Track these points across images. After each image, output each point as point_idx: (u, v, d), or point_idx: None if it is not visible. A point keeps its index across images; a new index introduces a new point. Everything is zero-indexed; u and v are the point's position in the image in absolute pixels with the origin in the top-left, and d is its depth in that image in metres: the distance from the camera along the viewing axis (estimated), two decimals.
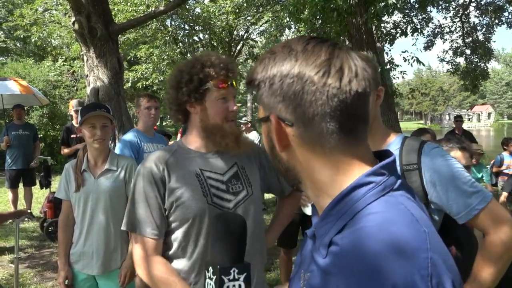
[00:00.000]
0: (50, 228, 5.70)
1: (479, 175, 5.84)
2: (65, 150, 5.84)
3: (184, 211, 1.51)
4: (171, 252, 1.57)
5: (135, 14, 12.30)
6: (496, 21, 13.46)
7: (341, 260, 0.65)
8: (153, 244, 1.51)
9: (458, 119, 8.38)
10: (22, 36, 16.68)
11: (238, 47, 17.62)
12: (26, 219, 6.82)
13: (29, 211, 7.02)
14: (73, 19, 4.53)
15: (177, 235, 1.55)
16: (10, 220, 3.27)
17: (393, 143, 1.54)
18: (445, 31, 14.25)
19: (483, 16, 13.78)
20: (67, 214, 2.47)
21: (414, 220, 0.65)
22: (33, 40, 15.54)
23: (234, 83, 1.55)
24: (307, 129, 0.70)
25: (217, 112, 1.52)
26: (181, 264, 1.55)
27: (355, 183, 0.69)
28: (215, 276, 0.78)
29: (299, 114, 0.69)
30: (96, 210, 2.40)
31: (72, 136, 5.77)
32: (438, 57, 14.99)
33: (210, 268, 0.79)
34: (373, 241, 0.62)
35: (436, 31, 14.20)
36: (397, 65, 8.82)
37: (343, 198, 0.69)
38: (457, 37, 14.26)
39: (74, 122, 5.80)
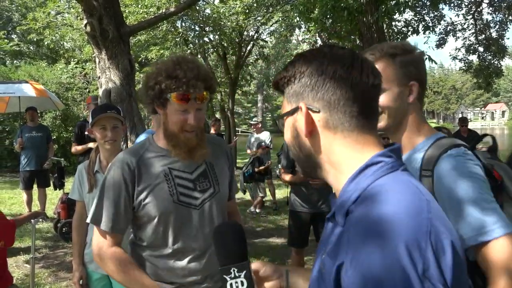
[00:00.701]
0: (64, 229, 5.77)
1: None
2: (78, 148, 5.70)
3: (151, 210, 1.60)
4: (144, 245, 1.67)
5: (145, 16, 12.39)
6: (510, 17, 13.24)
7: (356, 222, 0.75)
8: (113, 238, 1.62)
9: (463, 124, 8.31)
10: (35, 39, 16.91)
11: (248, 48, 17.60)
12: (41, 220, 6.93)
13: (43, 211, 7.11)
14: (85, 21, 4.58)
15: (147, 231, 1.65)
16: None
17: (422, 143, 1.36)
18: (457, 29, 14.09)
19: (496, 13, 13.57)
20: (81, 214, 2.50)
21: (418, 191, 0.77)
22: (46, 43, 15.76)
23: (200, 97, 1.55)
24: (332, 113, 0.83)
25: (174, 122, 1.58)
26: (154, 259, 1.65)
27: (368, 162, 0.81)
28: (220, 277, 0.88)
29: (326, 100, 0.83)
30: None
31: (86, 132, 5.59)
32: (450, 55, 14.81)
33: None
34: (383, 205, 0.72)
35: (448, 29, 14.04)
36: None
37: (358, 175, 0.81)
38: (469, 34, 14.08)
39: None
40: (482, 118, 76.94)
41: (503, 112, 78.87)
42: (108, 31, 4.58)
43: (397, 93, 1.34)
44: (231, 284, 0.84)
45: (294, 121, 0.88)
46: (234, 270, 0.85)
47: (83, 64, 16.34)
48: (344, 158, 0.84)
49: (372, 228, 0.70)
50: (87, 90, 15.80)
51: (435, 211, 0.74)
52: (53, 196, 7.86)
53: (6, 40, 18.96)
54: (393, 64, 1.34)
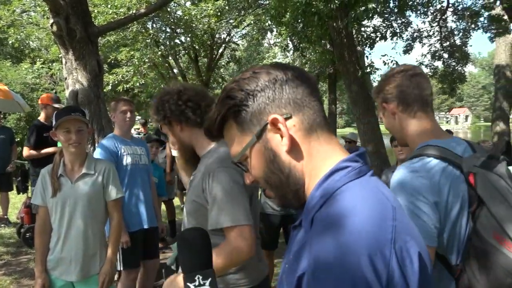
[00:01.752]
0: (28, 234, 5.57)
1: None
2: (32, 152, 5.19)
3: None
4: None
5: (115, 16, 12.15)
6: (473, 26, 13.76)
7: (318, 230, 0.72)
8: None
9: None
10: None
11: (220, 50, 17.58)
12: (2, 225, 6.66)
13: (5, 216, 6.85)
14: (51, 20, 4.45)
15: None
16: None
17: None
18: (423, 35, 14.49)
19: (460, 21, 14.08)
20: (44, 220, 2.42)
21: (384, 197, 0.74)
22: (10, 42, 15.19)
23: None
24: (304, 111, 0.80)
25: None
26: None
27: (335, 167, 0.79)
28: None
29: (293, 102, 0.80)
30: (74, 215, 2.36)
31: (45, 134, 5.02)
32: (417, 61, 15.28)
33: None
34: (347, 212, 0.69)
35: (415, 35, 14.43)
36: (377, 69, 8.92)
37: (325, 180, 0.78)
38: (435, 41, 14.50)
39: (41, 118, 5.41)
40: (447, 122, 79.52)
41: (466, 117, 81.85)
42: (76, 31, 4.46)
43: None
44: None
45: (264, 144, 0.81)
46: (199, 278, 0.82)
47: (50, 64, 15.86)
48: (320, 161, 0.80)
49: (335, 238, 0.67)
50: (54, 91, 15.33)
51: (400, 218, 0.71)
52: (16, 200, 7.58)
53: None
54: None
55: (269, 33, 16.90)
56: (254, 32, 17.19)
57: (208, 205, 1.64)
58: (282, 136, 0.79)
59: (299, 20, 8.48)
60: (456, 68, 14.34)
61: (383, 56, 9.30)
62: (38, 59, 16.60)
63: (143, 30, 14.47)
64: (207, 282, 0.82)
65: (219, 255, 1.51)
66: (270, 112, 0.80)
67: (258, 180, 0.86)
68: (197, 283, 0.82)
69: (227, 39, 17.34)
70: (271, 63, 0.87)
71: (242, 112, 0.81)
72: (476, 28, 13.78)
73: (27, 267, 4.99)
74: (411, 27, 13.88)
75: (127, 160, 3.37)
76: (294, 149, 0.80)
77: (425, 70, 14.77)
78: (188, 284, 0.83)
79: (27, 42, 17.15)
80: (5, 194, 6.90)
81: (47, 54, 16.75)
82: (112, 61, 15.52)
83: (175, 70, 19.29)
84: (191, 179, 1.82)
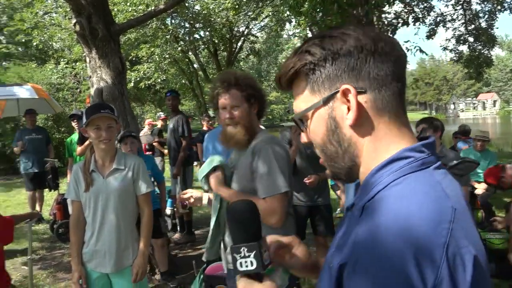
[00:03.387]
0: (60, 230, 5.76)
1: (487, 162, 5.79)
2: (78, 149, 5.55)
3: None
4: None
5: (135, 13, 12.30)
6: (499, 7, 13.30)
7: (366, 223, 0.67)
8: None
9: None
10: (23, 40, 16.76)
11: (239, 43, 17.58)
12: (36, 221, 6.91)
13: (40, 213, 7.10)
14: (74, 20, 4.54)
15: None
16: (23, 223, 3.31)
17: None
18: (447, 19, 14.10)
19: (485, 3, 13.64)
20: (78, 214, 2.50)
21: (444, 195, 0.67)
22: (34, 43, 15.59)
23: None
24: (380, 91, 0.74)
25: None
26: None
27: (396, 155, 0.73)
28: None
29: (373, 78, 0.74)
30: (106, 209, 2.43)
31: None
32: (441, 46, 14.86)
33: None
34: (398, 209, 0.64)
35: (438, 20, 14.04)
36: None
37: (384, 167, 0.73)
38: (459, 25, 14.11)
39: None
40: (474, 108, 77.45)
41: (494, 102, 79.50)
42: (98, 29, 4.53)
43: None
44: (240, 263, 0.85)
45: (329, 111, 0.77)
46: (244, 250, 0.84)
47: (73, 64, 16.22)
48: (383, 145, 0.75)
49: (382, 233, 0.63)
50: (78, 90, 15.69)
51: (460, 221, 0.64)
52: (48, 197, 7.82)
53: None
54: None
55: (287, 24, 16.78)
56: (273, 24, 17.10)
57: (253, 177, 1.90)
58: (349, 109, 0.74)
59: (318, 9, 8.38)
60: (482, 51, 13.90)
61: (406, 42, 9.11)
62: (61, 60, 16.99)
63: (163, 27, 14.61)
64: (252, 255, 0.84)
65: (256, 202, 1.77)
66: (345, 81, 0.74)
67: (314, 145, 0.83)
68: (242, 255, 0.84)
69: (245, 32, 17.33)
70: (366, 27, 0.80)
71: (316, 71, 0.77)
72: (502, 10, 13.31)
73: (62, 261, 5.16)
74: (434, 11, 13.52)
75: None
76: (359, 125, 0.75)
77: (450, 55, 14.37)
78: (234, 255, 0.85)
79: (50, 43, 17.55)
80: (41, 192, 7.18)
81: (70, 54, 17.12)
82: (133, 59, 15.75)
83: (195, 65, 19.41)
84: (237, 158, 2.08)
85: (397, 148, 0.74)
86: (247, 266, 0.84)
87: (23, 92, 7.59)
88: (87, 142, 5.20)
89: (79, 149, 5.56)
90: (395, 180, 0.70)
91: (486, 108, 76.88)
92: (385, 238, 0.62)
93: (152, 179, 4.22)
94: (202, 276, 2.62)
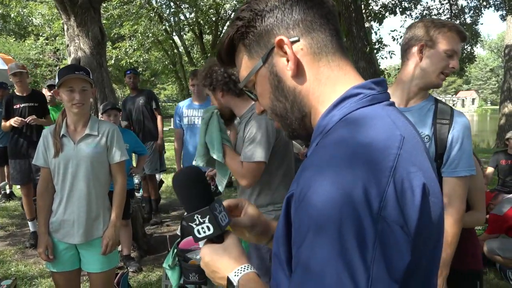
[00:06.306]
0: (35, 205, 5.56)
1: None
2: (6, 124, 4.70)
3: None
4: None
5: None
6: (484, 3, 13.45)
7: (315, 151, 0.67)
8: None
9: None
10: (0, 11, 16.08)
11: (225, 27, 17.32)
12: (8, 197, 6.71)
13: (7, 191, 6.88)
14: None
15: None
16: None
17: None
18: (433, 13, 14.20)
19: None
20: (46, 181, 2.35)
21: (393, 124, 0.67)
22: (12, 15, 14.98)
23: None
24: (313, 35, 0.74)
25: None
26: None
27: (345, 94, 0.72)
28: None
29: (303, 24, 0.74)
30: (76, 176, 2.29)
31: (15, 106, 4.68)
32: None
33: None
34: (347, 136, 0.64)
35: (424, 13, 14.14)
36: (386, 45, 8.74)
37: (334, 108, 0.72)
38: (445, 19, 14.22)
39: (16, 90, 4.75)
40: (453, 105, 78.85)
41: (473, 100, 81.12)
42: None
43: None
44: (198, 231, 0.84)
45: (270, 69, 0.77)
46: (198, 217, 0.84)
47: (53, 40, 15.69)
48: (329, 88, 0.74)
49: (329, 162, 0.61)
50: (57, 67, 15.22)
51: (409, 149, 0.64)
52: None
53: None
54: None
55: None
56: None
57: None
58: (288, 60, 0.74)
59: None
60: (465, 47, 14.06)
61: (392, 31, 9.10)
62: (41, 35, 16.43)
63: (147, 5, 14.22)
64: (206, 220, 0.84)
65: (235, 162, 2.07)
66: (277, 34, 0.75)
67: (266, 110, 0.82)
68: (197, 222, 0.84)
69: (232, 15, 17.07)
70: None
71: (250, 33, 0.77)
72: (487, 6, 13.46)
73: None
74: (421, 5, 13.58)
75: None
76: (300, 74, 0.75)
77: None
78: (190, 224, 0.85)
79: (30, 18, 16.94)
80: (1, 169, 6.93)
81: (50, 30, 16.56)
82: (115, 36, 15.31)
83: (181, 49, 19.08)
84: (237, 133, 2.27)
85: (344, 88, 0.73)
86: (204, 232, 0.84)
87: None
88: (13, 120, 4.52)
89: (2, 124, 4.83)
90: (345, 115, 0.70)
91: (465, 105, 78.30)
92: (330, 165, 0.61)
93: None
94: (175, 251, 2.52)
